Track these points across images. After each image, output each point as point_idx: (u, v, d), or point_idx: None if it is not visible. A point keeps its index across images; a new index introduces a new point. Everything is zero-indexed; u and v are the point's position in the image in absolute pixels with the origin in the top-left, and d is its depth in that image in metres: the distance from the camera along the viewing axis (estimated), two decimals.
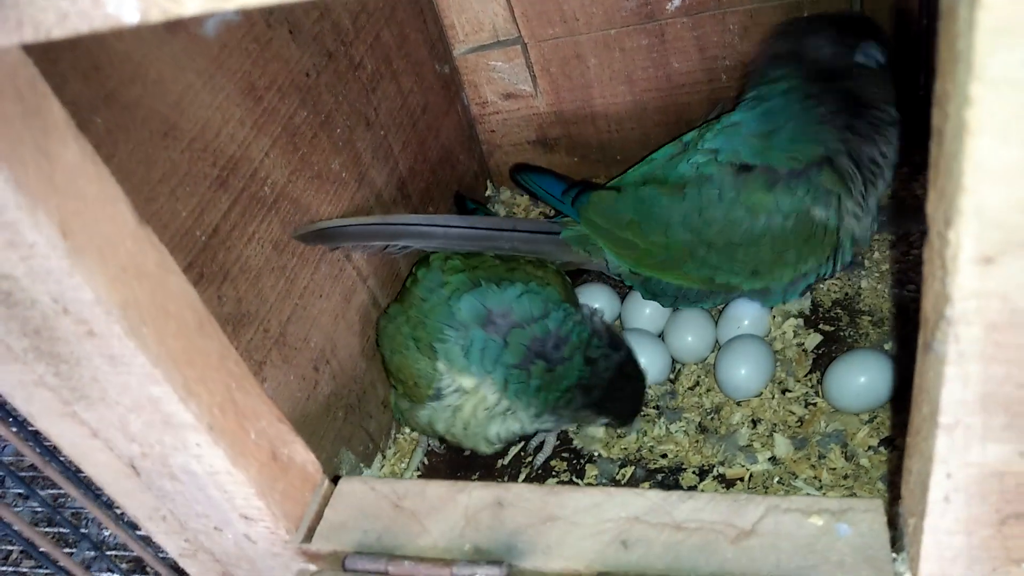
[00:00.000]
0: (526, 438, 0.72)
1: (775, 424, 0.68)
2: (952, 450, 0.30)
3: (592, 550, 0.42)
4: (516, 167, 0.92)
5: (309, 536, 0.48)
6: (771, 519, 0.41)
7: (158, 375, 0.39)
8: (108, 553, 0.78)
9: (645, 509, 0.43)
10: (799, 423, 0.67)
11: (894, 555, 0.38)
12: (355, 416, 0.70)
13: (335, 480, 0.52)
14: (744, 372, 0.69)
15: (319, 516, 0.49)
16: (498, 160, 1.00)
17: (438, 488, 0.48)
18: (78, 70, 0.46)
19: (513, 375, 0.63)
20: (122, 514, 0.86)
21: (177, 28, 0.53)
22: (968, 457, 0.30)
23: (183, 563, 0.56)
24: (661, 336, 0.77)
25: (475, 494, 0.47)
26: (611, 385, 0.65)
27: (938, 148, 0.25)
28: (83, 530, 1.10)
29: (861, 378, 0.65)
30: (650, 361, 0.72)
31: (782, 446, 0.65)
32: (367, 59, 0.77)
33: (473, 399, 0.65)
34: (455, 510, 0.46)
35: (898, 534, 0.39)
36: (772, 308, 0.76)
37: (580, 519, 0.44)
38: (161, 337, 0.39)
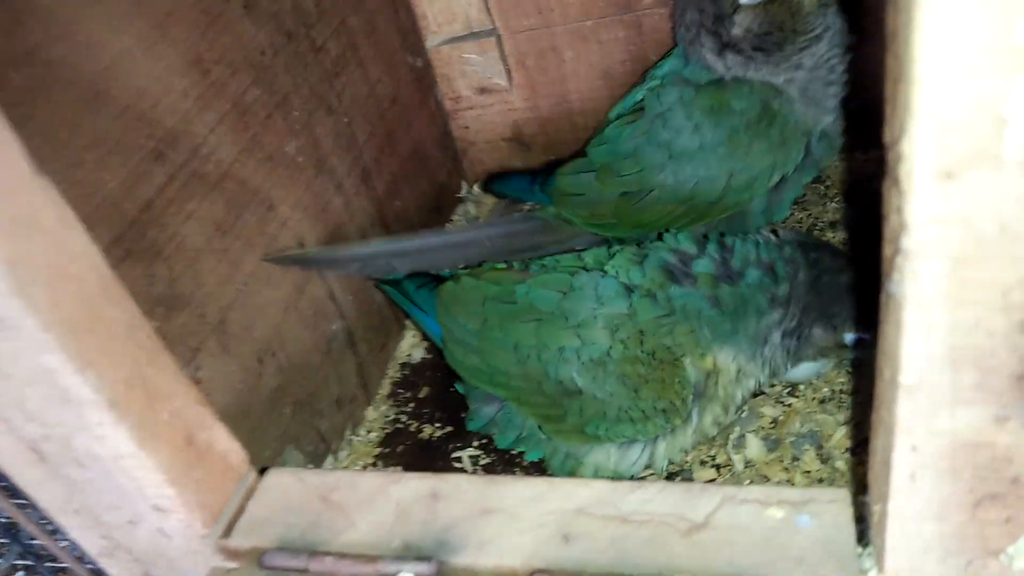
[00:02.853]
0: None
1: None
2: (916, 417, 0.26)
3: (530, 545, 0.38)
4: (489, 178, 0.93)
5: (228, 531, 0.44)
6: (726, 511, 0.37)
7: (50, 342, 0.35)
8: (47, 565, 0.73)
9: (590, 500, 0.39)
10: (772, 424, 0.63)
11: (860, 549, 0.34)
12: (304, 414, 0.66)
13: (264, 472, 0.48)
14: None
15: (241, 509, 0.45)
16: (472, 158, 0.97)
17: (371, 479, 0.44)
18: None
19: (715, 319, 0.55)
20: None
21: None
22: (935, 425, 0.26)
23: (103, 563, 0.52)
24: None
25: (410, 485, 0.43)
26: (819, 281, 0.55)
27: (893, 55, 0.21)
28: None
29: None
30: None
31: (754, 447, 0.61)
32: (331, 43, 0.74)
33: (723, 378, 0.56)
34: (386, 503, 0.42)
35: (865, 527, 0.35)
36: None
37: (520, 511, 0.40)
38: (55, 300, 0.36)
